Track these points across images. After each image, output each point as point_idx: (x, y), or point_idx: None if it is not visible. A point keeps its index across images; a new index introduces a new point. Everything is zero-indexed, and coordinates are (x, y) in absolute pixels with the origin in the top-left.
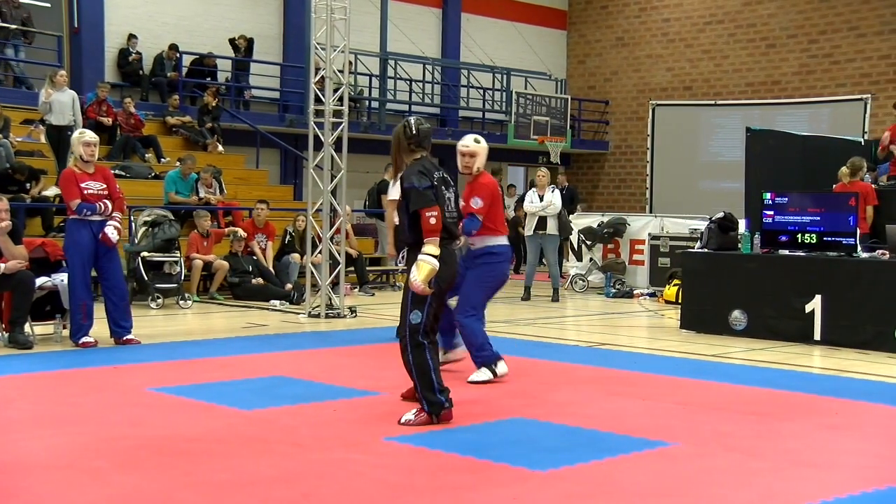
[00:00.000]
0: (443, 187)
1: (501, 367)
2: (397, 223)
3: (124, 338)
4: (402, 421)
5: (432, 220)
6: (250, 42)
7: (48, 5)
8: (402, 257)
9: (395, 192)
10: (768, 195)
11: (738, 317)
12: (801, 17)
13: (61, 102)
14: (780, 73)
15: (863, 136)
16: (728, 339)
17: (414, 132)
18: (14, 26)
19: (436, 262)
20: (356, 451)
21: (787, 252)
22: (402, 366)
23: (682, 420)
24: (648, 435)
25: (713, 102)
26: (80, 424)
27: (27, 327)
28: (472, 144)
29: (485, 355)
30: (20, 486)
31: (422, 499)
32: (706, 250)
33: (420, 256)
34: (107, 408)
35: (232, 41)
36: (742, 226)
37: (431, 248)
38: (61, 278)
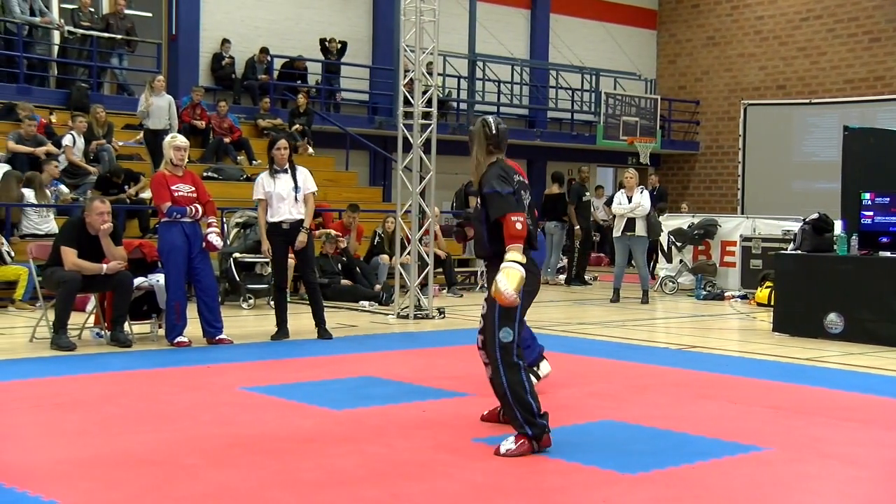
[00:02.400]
0: (522, 192)
1: (545, 368)
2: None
3: (217, 337)
4: (503, 452)
5: (518, 226)
6: (343, 45)
7: (150, 15)
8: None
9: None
10: (867, 195)
11: (833, 320)
12: None
13: (159, 107)
14: (885, 67)
15: None
16: (823, 342)
17: (494, 132)
18: (119, 36)
19: (523, 270)
20: (445, 451)
21: (888, 254)
22: (482, 367)
23: (775, 425)
24: (741, 439)
25: (808, 101)
26: (175, 421)
27: (126, 326)
28: None
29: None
30: (121, 478)
31: (511, 501)
32: (800, 252)
33: (506, 264)
34: (200, 406)
35: (323, 42)
36: (838, 227)
37: (517, 254)
38: (157, 279)
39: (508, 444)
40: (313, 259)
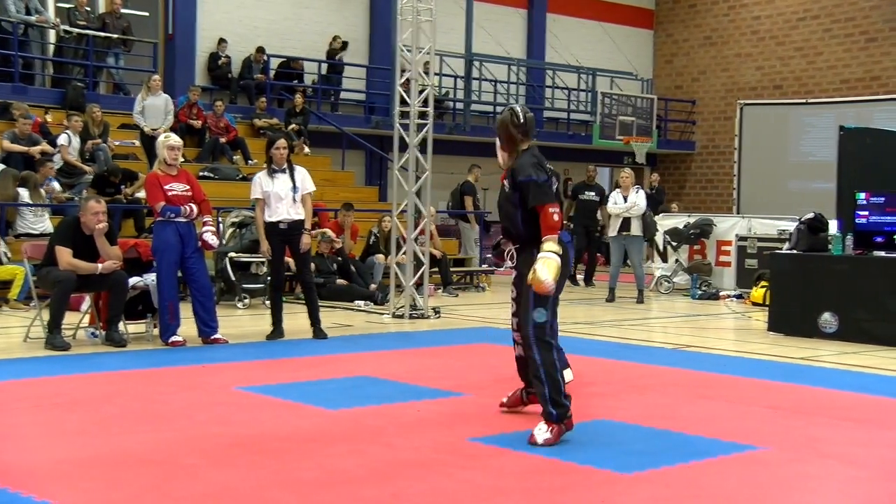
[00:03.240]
0: (553, 178)
1: (568, 375)
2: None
3: (212, 337)
4: (541, 442)
5: (555, 217)
6: (344, 44)
7: (146, 14)
8: (510, 254)
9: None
10: (862, 195)
11: (828, 319)
12: None
13: (155, 107)
14: (881, 67)
15: None
16: (818, 342)
17: (522, 121)
18: (115, 36)
19: (559, 260)
20: (442, 451)
21: (882, 253)
22: (485, 367)
23: (772, 424)
24: (738, 439)
25: (804, 101)
26: (173, 421)
27: (121, 326)
28: None
29: None
30: (121, 478)
31: (509, 500)
32: (795, 252)
33: (543, 254)
34: (196, 406)
35: (331, 42)
36: (833, 227)
37: (553, 245)
38: (152, 278)
39: (543, 433)
40: (310, 259)
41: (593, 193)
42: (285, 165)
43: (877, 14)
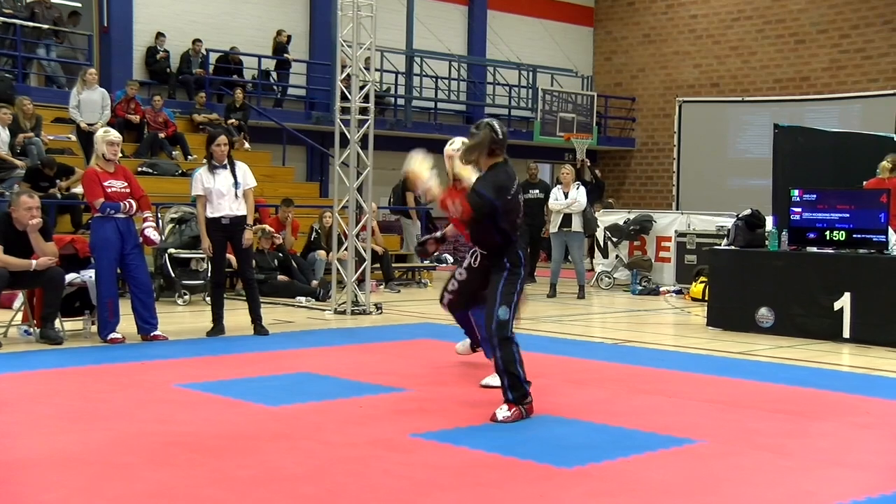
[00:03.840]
0: (519, 196)
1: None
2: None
3: (151, 334)
4: (500, 419)
5: (466, 215)
6: (289, 38)
7: (79, 5)
8: (475, 256)
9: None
10: (796, 192)
11: (765, 314)
12: (832, 12)
13: (91, 101)
14: (810, 68)
15: (895, 132)
16: (755, 336)
17: (500, 137)
18: (46, 26)
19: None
20: (382, 447)
21: (815, 249)
22: (427, 362)
23: (709, 418)
24: (675, 432)
25: (741, 99)
26: (110, 420)
27: (57, 323)
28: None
29: None
30: (54, 480)
31: (447, 495)
32: (733, 248)
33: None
34: (135, 404)
35: (279, 37)
36: (769, 223)
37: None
38: (90, 275)
39: (503, 412)
40: (252, 255)
41: (538, 191)
42: (226, 161)
43: (804, 17)
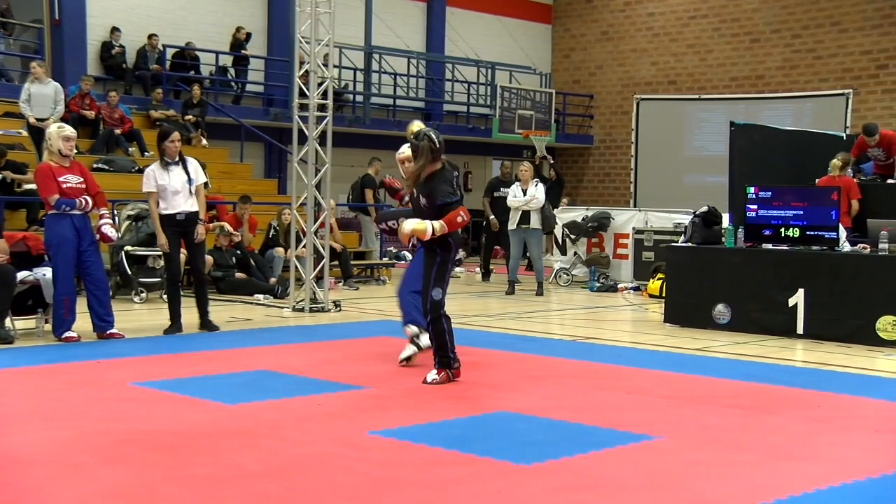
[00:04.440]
0: (455, 173)
1: (424, 340)
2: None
3: (107, 332)
4: (429, 381)
5: (459, 219)
6: (248, 36)
7: None
8: (413, 245)
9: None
10: (752, 189)
11: (721, 311)
12: (784, 13)
13: (43, 95)
14: (765, 67)
15: (844, 131)
16: (712, 332)
17: (439, 146)
18: None
19: (429, 227)
20: (341, 445)
21: (770, 246)
22: (386, 360)
23: (666, 414)
24: (633, 429)
25: (697, 97)
26: (64, 419)
27: (8, 322)
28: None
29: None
30: (4, 481)
31: (406, 493)
32: (690, 244)
33: (431, 222)
34: (90, 402)
35: (237, 33)
36: (726, 220)
37: (439, 225)
38: (43, 272)
39: (433, 375)
40: (204, 250)
41: (508, 190)
42: (177, 158)
43: (758, 16)
